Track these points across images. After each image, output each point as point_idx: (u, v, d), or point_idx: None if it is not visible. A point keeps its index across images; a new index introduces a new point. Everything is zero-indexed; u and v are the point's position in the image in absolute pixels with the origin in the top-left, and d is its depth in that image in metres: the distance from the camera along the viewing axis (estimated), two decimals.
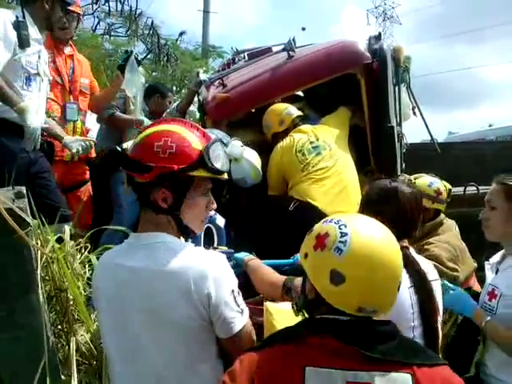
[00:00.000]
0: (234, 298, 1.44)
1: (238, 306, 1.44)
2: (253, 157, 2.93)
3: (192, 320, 1.38)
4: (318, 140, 3.08)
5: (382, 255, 1.20)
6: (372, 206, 1.77)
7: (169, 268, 1.38)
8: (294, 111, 3.32)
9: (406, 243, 1.75)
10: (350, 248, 1.19)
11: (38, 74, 2.63)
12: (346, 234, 1.21)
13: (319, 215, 2.78)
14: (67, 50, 3.31)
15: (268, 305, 1.62)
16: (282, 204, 2.97)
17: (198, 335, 1.42)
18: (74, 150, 2.82)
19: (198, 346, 1.43)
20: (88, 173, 3.37)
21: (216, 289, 1.38)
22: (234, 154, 2.83)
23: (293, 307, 1.54)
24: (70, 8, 3.15)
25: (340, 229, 1.24)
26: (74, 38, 3.35)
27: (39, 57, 2.66)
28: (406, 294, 1.63)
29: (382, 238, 1.24)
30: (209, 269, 1.39)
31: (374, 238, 1.22)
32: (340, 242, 1.21)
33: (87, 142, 2.90)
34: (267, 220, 2.91)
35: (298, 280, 1.76)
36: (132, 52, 3.42)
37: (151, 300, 1.38)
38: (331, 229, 1.25)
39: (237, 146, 2.90)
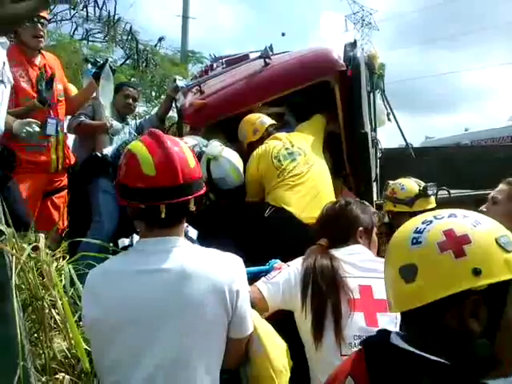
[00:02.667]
0: (249, 297, 1.54)
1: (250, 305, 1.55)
2: (233, 156, 2.94)
3: (219, 319, 1.44)
4: (292, 146, 3.12)
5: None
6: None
7: (200, 268, 1.43)
8: (267, 120, 3.33)
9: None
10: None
11: (2, 81, 2.52)
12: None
13: (294, 221, 2.83)
14: (38, 61, 3.22)
15: None
16: (257, 210, 3.01)
17: (219, 337, 1.46)
18: (23, 134, 2.82)
19: (220, 350, 1.48)
20: (65, 180, 3.35)
21: (242, 287, 1.47)
22: (212, 153, 2.86)
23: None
24: (43, 14, 3.14)
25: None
26: (43, 44, 3.26)
27: (4, 63, 2.54)
28: None
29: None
30: (236, 269, 1.49)
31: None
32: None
33: (33, 126, 2.87)
34: (243, 226, 2.94)
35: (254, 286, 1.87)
36: (107, 60, 3.41)
37: (181, 301, 1.40)
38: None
39: (215, 145, 2.92)
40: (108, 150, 3.25)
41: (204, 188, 1.55)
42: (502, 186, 2.24)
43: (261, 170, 3.11)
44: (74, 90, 3.73)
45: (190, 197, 1.46)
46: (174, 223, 1.49)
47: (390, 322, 1.72)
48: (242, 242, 2.76)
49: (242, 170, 2.98)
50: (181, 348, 1.40)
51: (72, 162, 3.35)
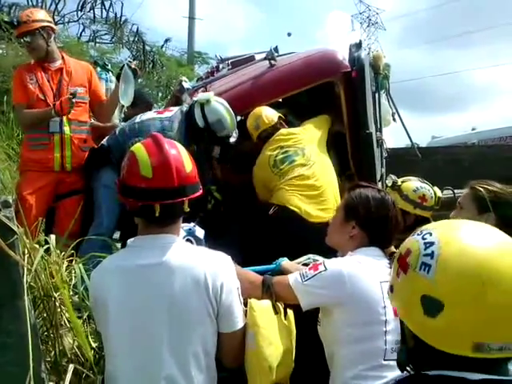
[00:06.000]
0: (239, 294, 1.61)
1: (241, 303, 1.61)
2: (223, 100, 3.09)
3: (203, 311, 1.52)
4: (290, 146, 3.17)
5: (492, 263, 0.87)
6: (367, 217, 1.84)
7: (186, 263, 1.54)
8: (261, 124, 3.33)
9: (393, 249, 1.86)
10: (440, 260, 0.89)
11: None
12: (431, 244, 0.92)
13: (297, 218, 2.89)
14: (56, 65, 3.31)
15: (252, 302, 1.70)
16: (263, 209, 3.06)
17: (207, 331, 1.55)
18: None
19: (208, 342, 1.56)
20: (80, 182, 3.29)
21: (227, 282, 1.55)
22: (203, 97, 3.03)
23: (273, 305, 1.72)
24: (24, 29, 3.19)
25: (424, 239, 0.94)
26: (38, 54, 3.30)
27: None
28: (377, 287, 1.70)
29: (488, 241, 0.91)
30: (221, 264, 1.58)
31: (474, 241, 0.90)
32: (425, 255, 0.91)
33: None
34: (250, 225, 3.02)
35: (277, 277, 1.86)
36: (127, 63, 3.39)
37: (170, 294, 1.51)
38: (413, 242, 0.96)
39: (204, 93, 3.11)
40: (104, 141, 3.26)
41: (200, 191, 1.65)
42: (466, 191, 2.31)
43: (262, 177, 3.22)
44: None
45: (183, 199, 1.57)
46: (168, 222, 1.60)
47: (378, 321, 1.72)
48: (249, 240, 2.82)
49: (233, 113, 3.09)
50: (168, 337, 1.50)
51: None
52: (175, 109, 3.18)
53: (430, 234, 0.94)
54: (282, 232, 2.85)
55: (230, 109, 3.07)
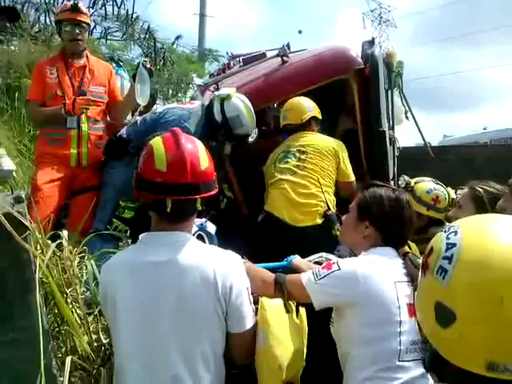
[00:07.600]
0: (249, 294, 1.58)
1: (251, 303, 1.59)
2: (244, 97, 3.09)
3: (212, 311, 1.50)
4: (293, 147, 3.14)
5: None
6: (381, 217, 1.82)
7: (197, 262, 1.52)
8: (287, 117, 3.32)
9: (407, 249, 1.84)
10: (457, 266, 0.79)
11: None
12: (453, 246, 0.81)
13: (281, 225, 2.92)
14: (80, 62, 3.31)
15: (263, 300, 1.68)
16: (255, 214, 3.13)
17: (215, 330, 1.53)
18: None
19: (216, 342, 1.55)
20: (96, 179, 3.29)
21: (237, 282, 1.53)
22: (224, 92, 3.03)
23: (284, 304, 1.69)
24: (80, 19, 3.20)
25: (448, 238, 0.83)
26: (82, 47, 3.29)
27: None
28: (392, 287, 1.68)
29: None
30: (231, 264, 1.56)
31: (502, 248, 0.77)
32: (444, 257, 0.81)
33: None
34: (252, 228, 3.08)
35: (290, 276, 1.83)
36: (142, 63, 3.33)
37: (180, 292, 1.50)
38: (437, 240, 0.85)
39: (226, 88, 3.10)
40: (123, 131, 3.26)
41: (216, 189, 1.62)
42: (465, 190, 2.39)
43: (266, 173, 3.24)
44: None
45: (195, 196, 1.55)
46: (180, 219, 1.58)
47: (392, 321, 1.70)
48: (252, 242, 2.85)
49: (253, 112, 3.07)
50: (176, 336, 1.49)
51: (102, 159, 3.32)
52: (198, 102, 3.18)
53: (455, 234, 0.82)
54: (268, 238, 2.91)
55: (251, 107, 3.05)
